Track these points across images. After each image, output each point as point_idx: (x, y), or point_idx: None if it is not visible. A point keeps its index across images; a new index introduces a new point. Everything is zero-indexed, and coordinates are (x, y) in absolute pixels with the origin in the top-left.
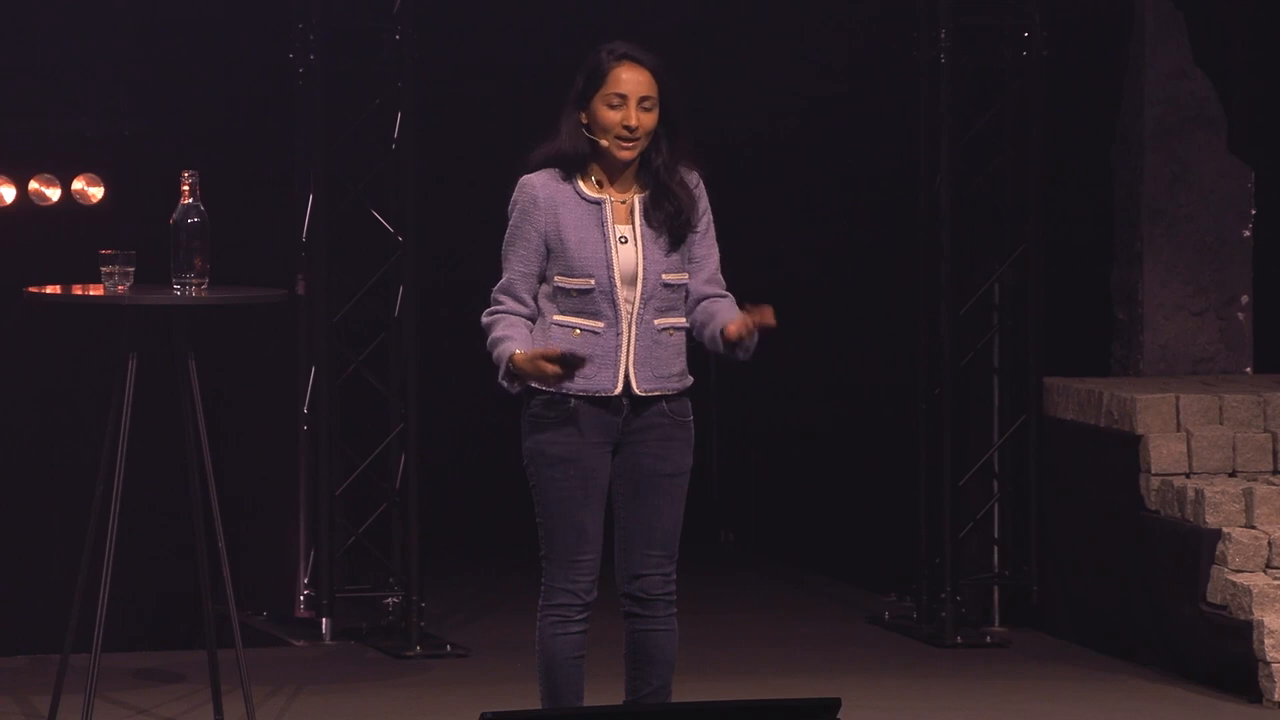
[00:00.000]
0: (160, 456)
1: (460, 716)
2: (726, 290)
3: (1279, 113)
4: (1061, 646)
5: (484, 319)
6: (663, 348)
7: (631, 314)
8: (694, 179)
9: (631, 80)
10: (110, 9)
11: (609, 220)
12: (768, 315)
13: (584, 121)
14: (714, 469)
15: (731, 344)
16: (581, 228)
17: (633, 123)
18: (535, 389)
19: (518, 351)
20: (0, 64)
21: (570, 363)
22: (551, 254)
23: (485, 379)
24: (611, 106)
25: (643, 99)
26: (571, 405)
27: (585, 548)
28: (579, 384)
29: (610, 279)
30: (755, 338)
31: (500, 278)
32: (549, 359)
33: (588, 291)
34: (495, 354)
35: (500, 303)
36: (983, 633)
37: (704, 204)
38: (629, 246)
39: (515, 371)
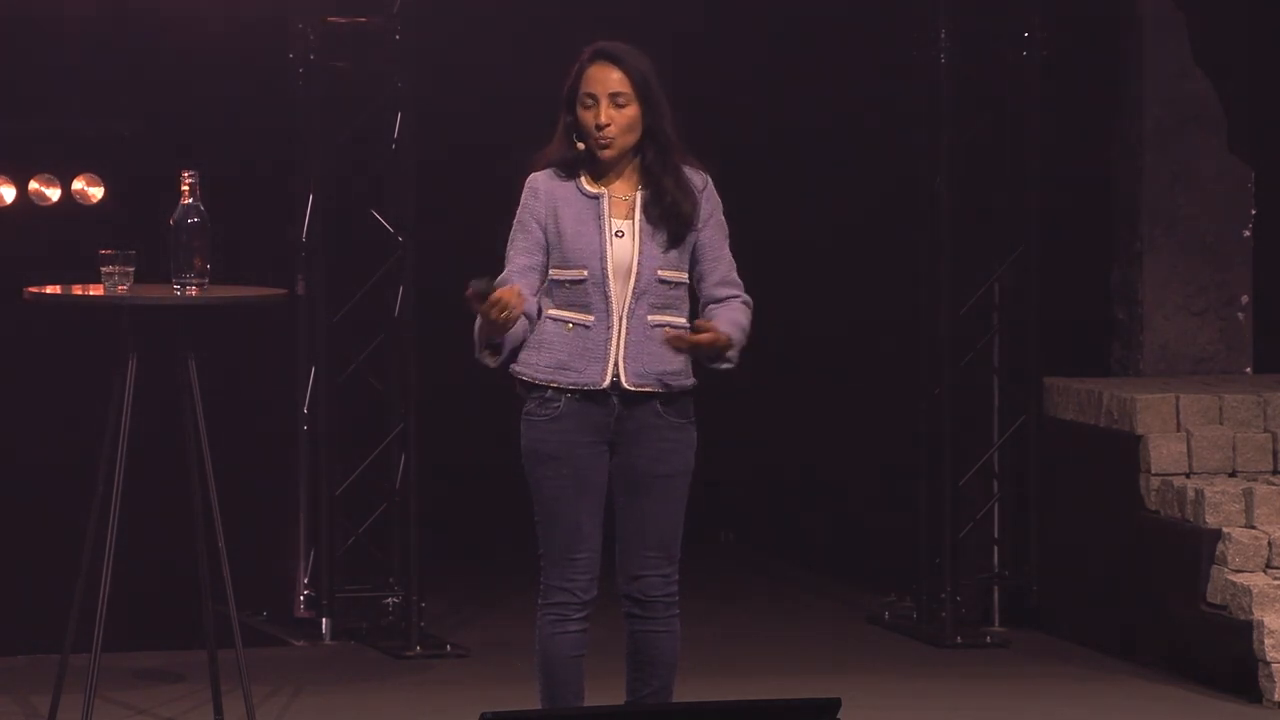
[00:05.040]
0: (160, 456)
1: (460, 716)
2: (741, 291)
3: (1279, 113)
4: (1061, 646)
5: None
6: (655, 344)
7: (623, 308)
8: (701, 180)
9: (601, 79)
10: (110, 9)
11: (606, 214)
12: (702, 338)
13: (575, 126)
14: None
15: (706, 356)
16: (579, 220)
17: (602, 120)
18: (531, 384)
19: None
20: (1, 64)
21: (481, 291)
22: (550, 246)
23: (485, 379)
24: (585, 107)
25: (614, 95)
26: (561, 403)
27: (581, 546)
28: (569, 378)
29: (603, 271)
30: (732, 353)
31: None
32: (470, 298)
33: (580, 283)
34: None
35: None
36: (983, 633)
37: (712, 205)
38: (625, 240)
39: (482, 339)
